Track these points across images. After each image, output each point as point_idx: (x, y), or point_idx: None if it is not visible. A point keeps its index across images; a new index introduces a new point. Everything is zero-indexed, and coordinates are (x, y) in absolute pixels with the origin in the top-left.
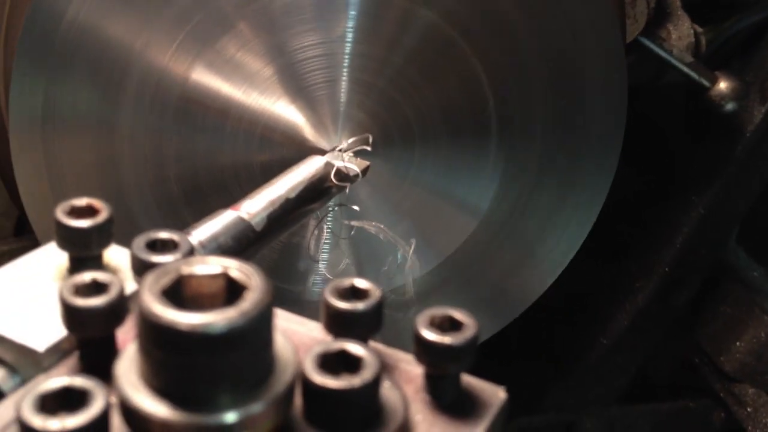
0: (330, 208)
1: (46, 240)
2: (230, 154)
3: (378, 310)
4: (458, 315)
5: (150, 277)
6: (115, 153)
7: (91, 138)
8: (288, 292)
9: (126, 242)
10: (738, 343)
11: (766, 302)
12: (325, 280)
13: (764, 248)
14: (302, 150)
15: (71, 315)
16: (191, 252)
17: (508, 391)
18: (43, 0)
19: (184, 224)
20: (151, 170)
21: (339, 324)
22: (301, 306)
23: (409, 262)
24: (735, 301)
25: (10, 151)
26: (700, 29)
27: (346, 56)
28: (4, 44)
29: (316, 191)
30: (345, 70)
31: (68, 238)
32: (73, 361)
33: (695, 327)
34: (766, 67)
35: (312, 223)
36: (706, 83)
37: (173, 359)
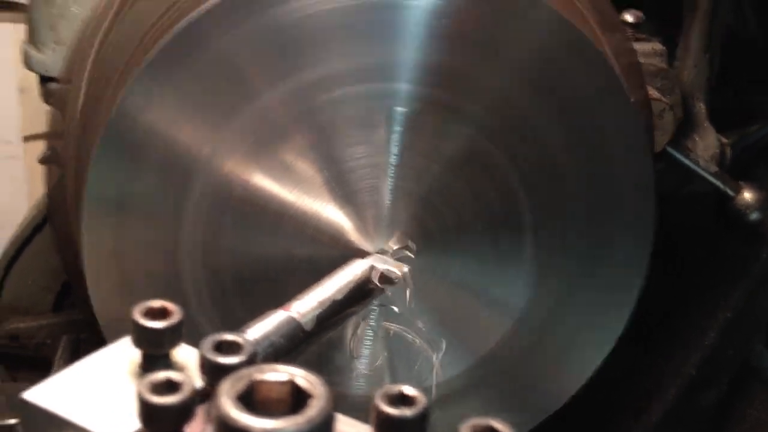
0: (372, 308)
1: (104, 316)
2: (281, 250)
3: (424, 416)
4: (498, 425)
5: (227, 383)
6: (175, 242)
7: (155, 226)
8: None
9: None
10: None
11: None
12: (363, 375)
13: None
14: (347, 251)
15: (147, 411)
16: (254, 354)
17: None
18: (125, 106)
19: (232, 311)
20: (206, 260)
21: (388, 428)
22: (339, 398)
23: (435, 368)
24: (762, 404)
25: (69, 231)
26: (725, 140)
27: (390, 166)
28: (77, 142)
29: (361, 292)
30: (389, 178)
31: (143, 337)
32: None
33: (723, 429)
34: None
35: (353, 321)
36: (730, 192)
37: None
